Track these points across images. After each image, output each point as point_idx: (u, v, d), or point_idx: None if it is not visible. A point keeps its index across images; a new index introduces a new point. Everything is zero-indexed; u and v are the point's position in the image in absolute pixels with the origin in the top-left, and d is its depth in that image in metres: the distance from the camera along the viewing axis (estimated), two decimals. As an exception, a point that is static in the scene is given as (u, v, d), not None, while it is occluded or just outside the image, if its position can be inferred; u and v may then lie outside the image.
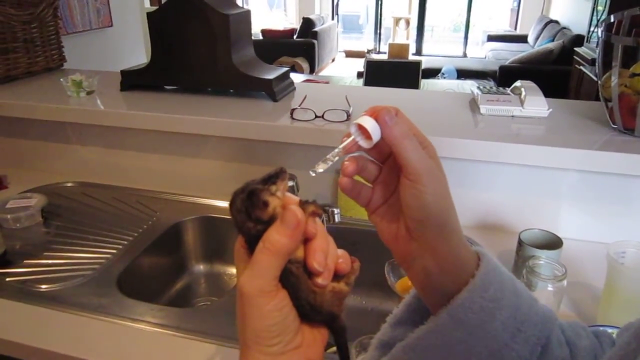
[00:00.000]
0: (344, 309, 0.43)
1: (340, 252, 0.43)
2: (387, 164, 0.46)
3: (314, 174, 0.42)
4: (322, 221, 0.43)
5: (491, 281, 0.43)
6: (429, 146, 0.43)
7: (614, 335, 0.50)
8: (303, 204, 0.40)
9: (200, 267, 1.31)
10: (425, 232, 0.42)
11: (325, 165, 0.42)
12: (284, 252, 0.38)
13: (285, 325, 0.39)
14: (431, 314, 0.45)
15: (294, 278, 0.39)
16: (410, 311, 0.50)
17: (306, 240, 0.40)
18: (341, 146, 0.43)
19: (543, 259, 0.88)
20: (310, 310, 0.40)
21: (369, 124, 0.41)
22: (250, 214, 0.38)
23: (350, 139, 0.43)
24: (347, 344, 0.44)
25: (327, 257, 0.40)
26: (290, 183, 1.10)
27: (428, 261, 0.43)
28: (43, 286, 0.98)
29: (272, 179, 0.39)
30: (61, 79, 1.45)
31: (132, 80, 1.48)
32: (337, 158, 0.42)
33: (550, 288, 0.83)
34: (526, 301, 0.45)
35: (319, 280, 0.39)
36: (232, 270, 1.29)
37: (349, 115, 1.22)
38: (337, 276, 0.42)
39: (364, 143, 0.43)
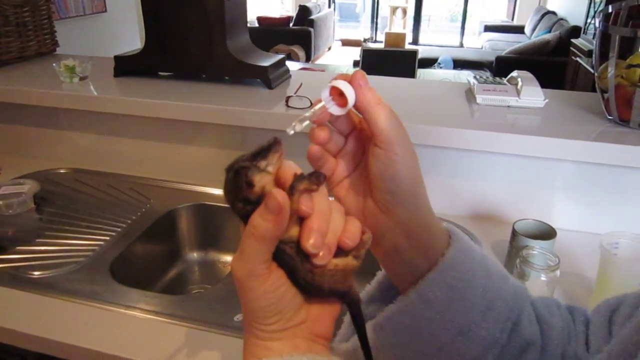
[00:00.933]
0: (352, 282, 0.40)
1: (352, 221, 0.39)
2: (352, 135, 0.44)
3: (292, 132, 0.38)
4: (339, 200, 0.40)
5: (461, 260, 0.43)
6: (395, 116, 0.41)
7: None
8: (297, 180, 0.36)
9: (194, 255, 1.30)
10: (395, 204, 0.41)
11: (301, 125, 0.39)
12: (269, 238, 0.35)
13: (283, 304, 0.38)
14: (400, 292, 0.45)
15: (288, 258, 0.37)
16: (382, 289, 0.50)
17: (302, 218, 0.37)
18: (316, 107, 0.39)
19: (537, 249, 0.88)
20: (310, 288, 0.38)
21: (345, 86, 0.39)
22: (238, 195, 0.36)
23: (321, 104, 0.40)
24: (362, 316, 0.42)
25: (326, 234, 0.37)
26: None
27: (398, 236, 0.42)
28: (35, 273, 0.98)
29: (263, 152, 0.37)
30: (54, 64, 1.43)
31: (125, 66, 1.46)
32: (308, 122, 0.39)
33: (543, 278, 0.84)
34: (497, 279, 0.44)
35: (316, 261, 0.37)
36: (226, 257, 1.29)
37: (344, 104, 1.22)
38: (343, 250, 0.38)
39: (336, 110, 0.40)
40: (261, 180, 0.36)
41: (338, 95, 0.39)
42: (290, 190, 0.36)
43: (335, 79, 0.40)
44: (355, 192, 0.44)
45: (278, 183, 0.37)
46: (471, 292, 0.42)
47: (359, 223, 0.39)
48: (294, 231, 0.37)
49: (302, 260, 0.37)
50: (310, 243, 0.36)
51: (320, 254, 0.36)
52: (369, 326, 0.44)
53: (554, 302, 0.50)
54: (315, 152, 0.42)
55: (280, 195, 0.34)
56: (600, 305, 0.49)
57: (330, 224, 0.37)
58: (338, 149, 0.44)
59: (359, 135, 0.43)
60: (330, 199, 0.40)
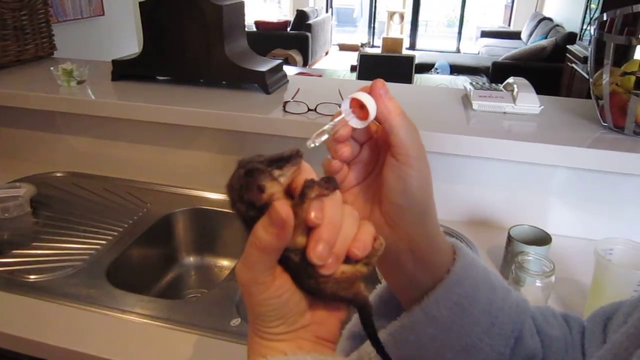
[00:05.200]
0: (358, 288, 0.38)
1: (365, 228, 0.37)
2: (367, 143, 0.43)
3: (312, 145, 0.37)
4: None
5: (466, 276, 0.43)
6: (415, 128, 0.40)
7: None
8: (308, 186, 0.34)
9: (191, 259, 1.30)
10: (403, 219, 0.40)
11: (320, 138, 0.37)
12: (271, 250, 0.34)
13: (287, 309, 0.37)
14: (402, 305, 0.45)
15: (293, 264, 0.36)
16: (382, 302, 0.49)
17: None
18: (336, 120, 0.38)
19: (532, 254, 0.88)
20: (314, 293, 0.37)
21: (366, 98, 0.37)
22: (242, 195, 0.34)
23: (341, 116, 0.39)
24: (371, 319, 0.40)
25: (335, 244, 0.35)
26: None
27: (402, 251, 0.41)
28: (32, 276, 0.97)
29: (280, 161, 0.35)
30: (51, 68, 1.43)
31: (123, 70, 1.46)
32: (327, 136, 0.38)
33: (538, 284, 0.84)
34: (500, 294, 0.44)
35: (322, 271, 0.35)
36: (223, 262, 1.29)
37: (341, 109, 1.22)
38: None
39: (356, 123, 0.39)
40: (271, 188, 0.34)
41: (358, 108, 0.38)
42: (301, 198, 0.34)
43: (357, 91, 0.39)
44: (363, 200, 0.43)
45: (289, 188, 0.36)
46: (476, 309, 0.42)
47: (372, 230, 0.38)
48: (301, 239, 0.35)
49: (306, 266, 0.36)
50: (316, 254, 0.34)
51: (328, 262, 0.35)
52: (369, 342, 0.43)
53: (550, 312, 0.50)
54: (336, 168, 0.41)
55: (283, 210, 0.33)
56: (596, 314, 0.49)
57: (341, 232, 0.36)
58: (353, 157, 0.43)
59: (374, 144, 0.43)
60: None
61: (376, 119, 0.39)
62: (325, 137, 0.38)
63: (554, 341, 0.47)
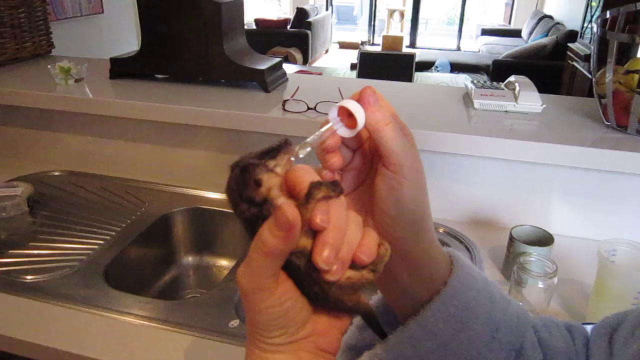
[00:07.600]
0: (360, 296, 0.37)
1: (369, 234, 0.36)
2: (359, 150, 0.41)
3: (293, 159, 0.36)
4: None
5: (464, 288, 0.41)
6: (409, 134, 0.38)
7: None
8: (314, 187, 0.33)
9: (189, 259, 1.29)
10: (396, 230, 0.38)
11: (305, 150, 0.36)
12: (277, 254, 0.33)
13: (288, 319, 0.36)
14: (398, 316, 0.44)
15: (296, 268, 0.35)
16: (377, 314, 0.48)
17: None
18: (322, 129, 0.37)
19: (534, 255, 0.88)
20: (316, 299, 0.36)
21: (354, 106, 0.36)
22: (242, 194, 0.33)
23: (329, 125, 0.37)
24: (379, 324, 0.40)
25: (341, 248, 0.34)
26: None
27: (396, 261, 0.39)
28: (28, 277, 0.96)
29: (272, 152, 0.34)
30: (49, 66, 1.42)
31: (121, 68, 1.45)
32: (310, 148, 0.37)
33: (540, 285, 0.83)
34: (500, 305, 0.43)
35: (328, 277, 0.34)
36: (222, 262, 1.28)
37: (341, 108, 1.21)
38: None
39: (345, 132, 0.37)
40: (269, 181, 0.33)
41: (347, 116, 0.37)
42: (307, 199, 0.33)
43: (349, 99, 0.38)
44: (355, 210, 0.40)
45: (292, 189, 0.35)
46: (475, 321, 0.41)
47: (376, 236, 0.37)
48: (304, 241, 0.34)
49: (310, 271, 0.35)
50: (322, 258, 0.33)
51: (333, 269, 0.34)
52: (365, 357, 0.43)
53: (552, 322, 0.48)
54: (327, 179, 0.38)
55: (290, 212, 0.32)
56: (600, 325, 0.48)
57: (346, 237, 0.35)
58: (345, 164, 0.41)
59: (366, 151, 0.41)
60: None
61: (366, 128, 0.37)
62: (308, 149, 0.36)
63: (557, 353, 0.45)
